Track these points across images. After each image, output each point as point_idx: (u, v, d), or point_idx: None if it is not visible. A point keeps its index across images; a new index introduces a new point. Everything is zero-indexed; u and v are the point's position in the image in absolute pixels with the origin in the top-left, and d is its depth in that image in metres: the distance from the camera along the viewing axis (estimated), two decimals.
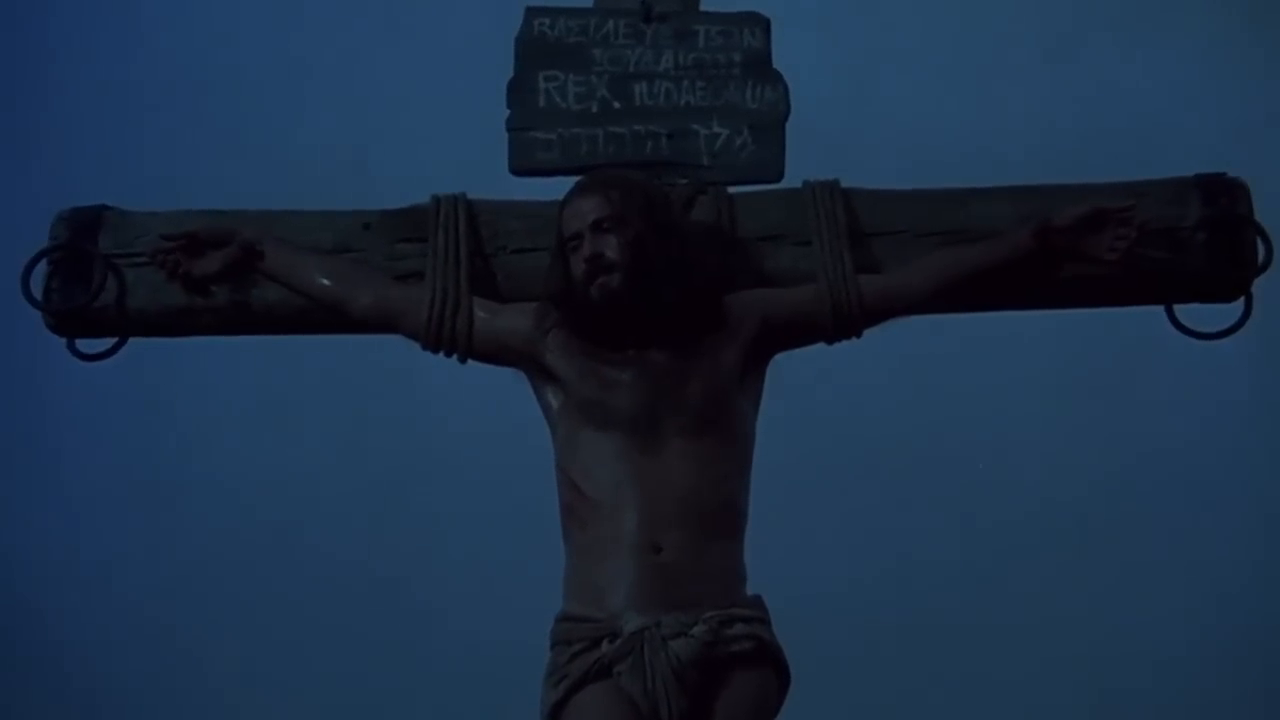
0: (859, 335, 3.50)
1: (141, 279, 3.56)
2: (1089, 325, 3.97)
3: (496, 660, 4.74)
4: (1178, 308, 3.59)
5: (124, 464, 5.33)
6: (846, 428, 5.26)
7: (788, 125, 3.68)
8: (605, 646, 3.20)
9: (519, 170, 3.68)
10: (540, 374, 3.44)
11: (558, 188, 3.53)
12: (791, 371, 3.50)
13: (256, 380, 5.24)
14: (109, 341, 3.61)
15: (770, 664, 3.25)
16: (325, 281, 3.51)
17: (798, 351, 3.51)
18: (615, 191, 3.40)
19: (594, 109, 3.67)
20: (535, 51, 3.69)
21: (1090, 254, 3.49)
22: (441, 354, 3.49)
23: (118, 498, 5.31)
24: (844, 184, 3.62)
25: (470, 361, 3.49)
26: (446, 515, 5.28)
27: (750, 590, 3.32)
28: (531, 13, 3.71)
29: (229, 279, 3.54)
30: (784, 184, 3.66)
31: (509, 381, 3.48)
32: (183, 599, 5.22)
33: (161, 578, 5.24)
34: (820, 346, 3.52)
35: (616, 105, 3.68)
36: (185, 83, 5.42)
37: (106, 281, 3.53)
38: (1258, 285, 3.56)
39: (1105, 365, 5.25)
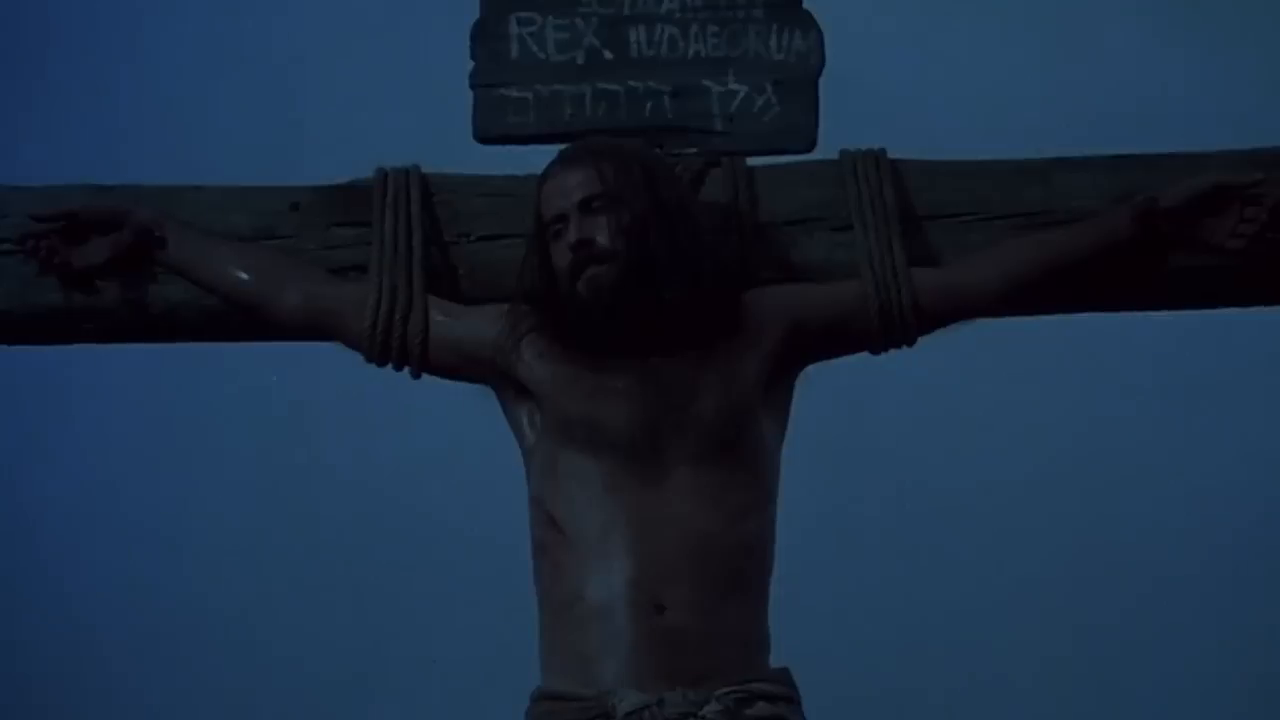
0: (912, 343, 3.45)
1: (5, 272, 3.53)
2: (1203, 331, 4.04)
3: None
4: None
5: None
6: (884, 455, 5.30)
7: (821, 81, 3.65)
8: None
9: (486, 137, 3.65)
10: (512, 391, 3.39)
11: (536, 159, 3.49)
12: (825, 385, 3.49)
13: (160, 391, 5.31)
14: None
15: None
16: (243, 276, 3.48)
17: (834, 362, 3.48)
18: (608, 163, 3.35)
19: (580, 60, 3.66)
20: None
21: (1207, 241, 3.44)
22: (390, 367, 3.45)
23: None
24: (892, 154, 3.59)
25: (425, 376, 3.46)
26: (402, 563, 5.31)
27: (775, 661, 3.27)
28: None
29: (119, 272, 3.51)
30: (817, 154, 3.64)
31: (475, 399, 3.46)
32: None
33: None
34: (862, 357, 3.49)
35: (608, 55, 3.66)
36: (61, 34, 5.48)
37: None
38: None
39: (1223, 381, 5.29)
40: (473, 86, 3.64)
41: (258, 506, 5.43)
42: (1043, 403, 5.30)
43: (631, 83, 3.64)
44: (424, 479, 5.24)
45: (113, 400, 5.35)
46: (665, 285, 3.28)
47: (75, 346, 3.61)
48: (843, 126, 3.65)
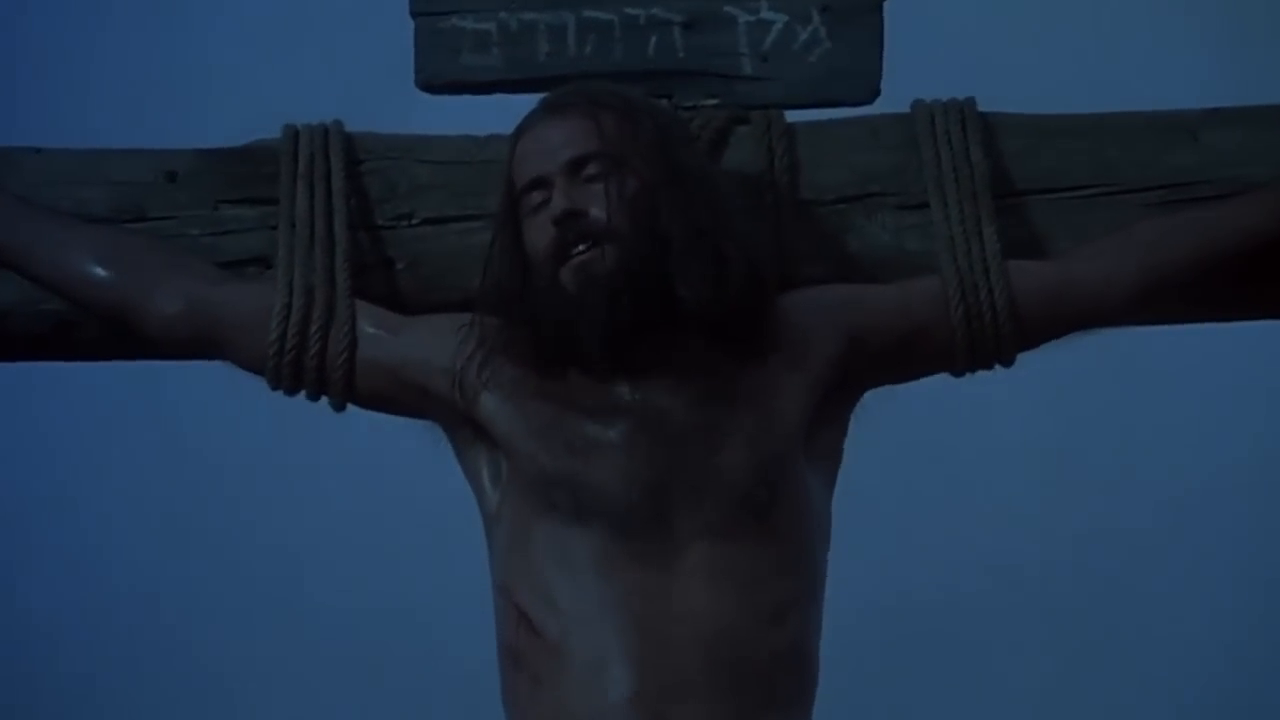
0: (1009, 362, 3.16)
1: None
2: None
3: None
4: None
5: None
6: (956, 511, 5.14)
7: (887, 7, 3.39)
8: None
9: (434, 84, 3.39)
10: (468, 432, 3.12)
11: (500, 114, 3.25)
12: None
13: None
14: None
15: None
16: (99, 272, 3.21)
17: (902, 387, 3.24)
18: (607, 114, 3.08)
19: None
20: None
21: None
22: (303, 395, 3.17)
23: None
24: (983, 106, 3.31)
25: (351, 408, 3.19)
26: (403, 555, 5.28)
27: None
28: None
29: None
30: (879, 106, 3.38)
31: (421, 439, 3.21)
32: None
33: None
34: (941, 379, 3.23)
35: None
36: None
37: None
38: None
39: None
40: (414, 15, 3.38)
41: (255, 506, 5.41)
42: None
43: (630, 10, 3.37)
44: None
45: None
46: (681, 280, 2.98)
47: None
48: (914, 70, 3.42)
